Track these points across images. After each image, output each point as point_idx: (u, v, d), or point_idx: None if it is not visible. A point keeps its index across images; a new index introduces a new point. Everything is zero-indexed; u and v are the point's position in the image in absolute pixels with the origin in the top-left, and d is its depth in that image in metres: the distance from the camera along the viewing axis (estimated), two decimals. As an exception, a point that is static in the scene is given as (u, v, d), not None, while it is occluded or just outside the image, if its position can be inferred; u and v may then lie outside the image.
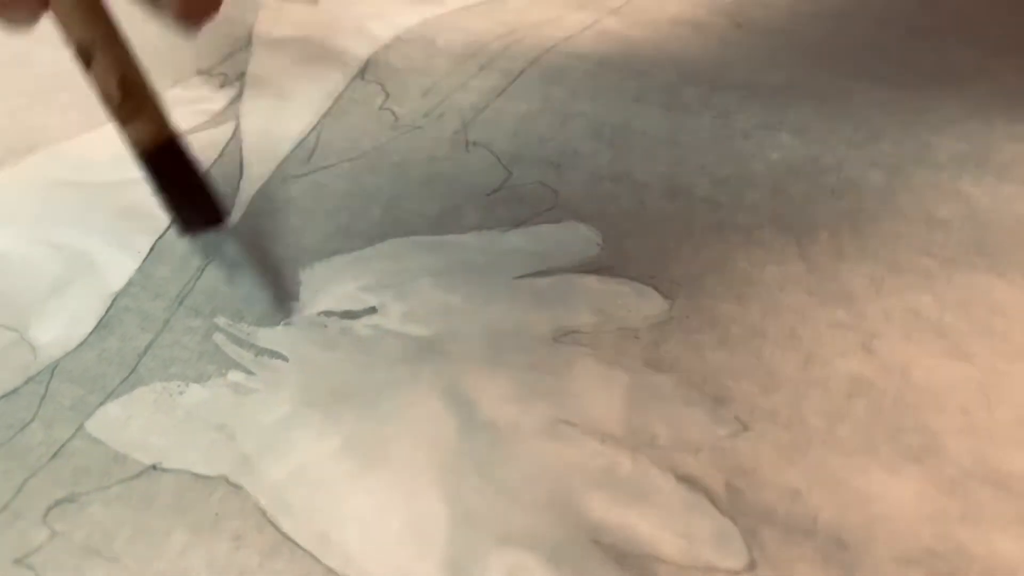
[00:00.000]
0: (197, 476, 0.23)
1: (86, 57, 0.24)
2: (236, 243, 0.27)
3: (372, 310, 0.26)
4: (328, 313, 0.26)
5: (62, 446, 0.24)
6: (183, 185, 0.26)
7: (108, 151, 0.32)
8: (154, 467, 0.23)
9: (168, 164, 0.25)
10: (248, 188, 0.30)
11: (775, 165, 0.28)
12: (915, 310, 0.24)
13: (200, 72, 0.34)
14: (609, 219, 0.27)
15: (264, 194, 0.30)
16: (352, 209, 0.29)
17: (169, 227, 0.29)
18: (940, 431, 0.21)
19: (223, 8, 0.33)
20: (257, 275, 0.27)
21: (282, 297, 0.27)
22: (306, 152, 0.31)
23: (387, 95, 0.33)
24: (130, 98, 0.24)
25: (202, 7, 0.23)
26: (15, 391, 0.25)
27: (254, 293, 0.27)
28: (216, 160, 0.31)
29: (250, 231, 0.29)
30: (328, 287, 0.27)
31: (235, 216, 0.30)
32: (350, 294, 0.27)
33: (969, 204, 0.26)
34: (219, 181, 0.31)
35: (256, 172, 0.31)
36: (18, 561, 0.22)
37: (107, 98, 0.24)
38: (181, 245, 0.29)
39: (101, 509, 0.23)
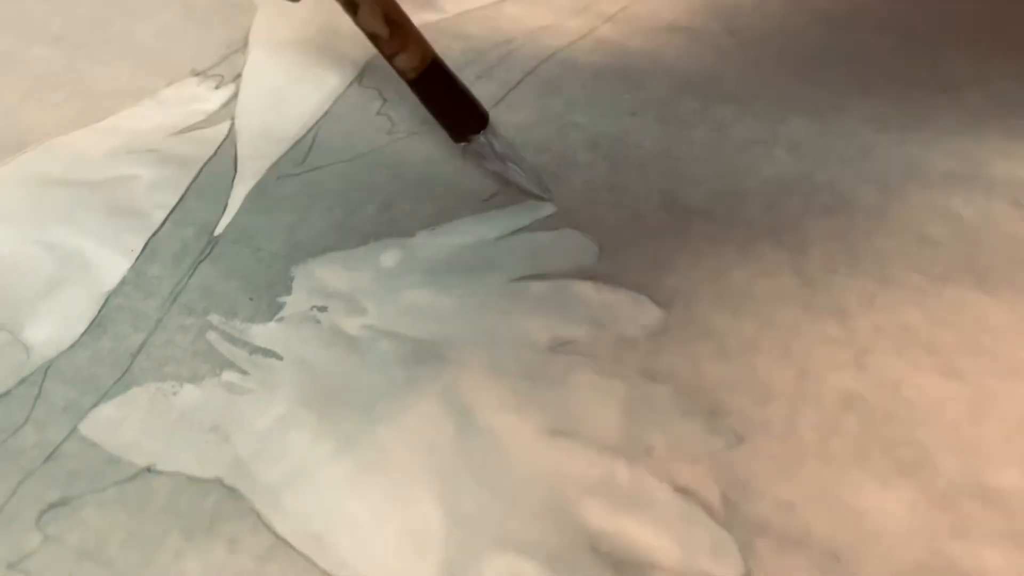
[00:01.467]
0: (192, 479, 0.23)
1: (353, 6, 0.27)
2: (499, 141, 0.29)
3: (363, 310, 0.26)
4: (321, 308, 0.26)
5: (55, 448, 0.24)
6: (449, 100, 0.29)
7: (101, 149, 0.32)
8: (148, 469, 0.23)
9: (434, 84, 0.29)
10: (242, 185, 0.30)
11: (769, 180, 0.28)
12: (906, 326, 0.24)
13: (196, 72, 0.34)
14: (605, 229, 0.28)
15: (258, 191, 0.30)
16: (347, 207, 0.29)
17: (162, 225, 0.29)
18: (931, 446, 0.22)
19: (219, 11, 0.33)
20: (526, 164, 0.29)
21: (541, 180, 0.29)
22: (301, 153, 0.31)
23: (384, 100, 0.33)
24: (396, 33, 0.28)
25: None
26: (8, 393, 0.25)
27: (529, 177, 0.29)
28: (210, 158, 0.31)
29: (243, 229, 0.29)
30: (321, 283, 0.27)
31: (228, 212, 0.30)
32: (343, 292, 0.27)
33: (959, 222, 0.26)
34: (212, 178, 0.31)
35: (250, 169, 0.31)
36: (12, 566, 0.21)
37: (375, 37, 0.28)
38: (174, 243, 0.29)
39: (95, 512, 0.22)
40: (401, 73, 0.29)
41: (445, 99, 0.29)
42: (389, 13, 0.28)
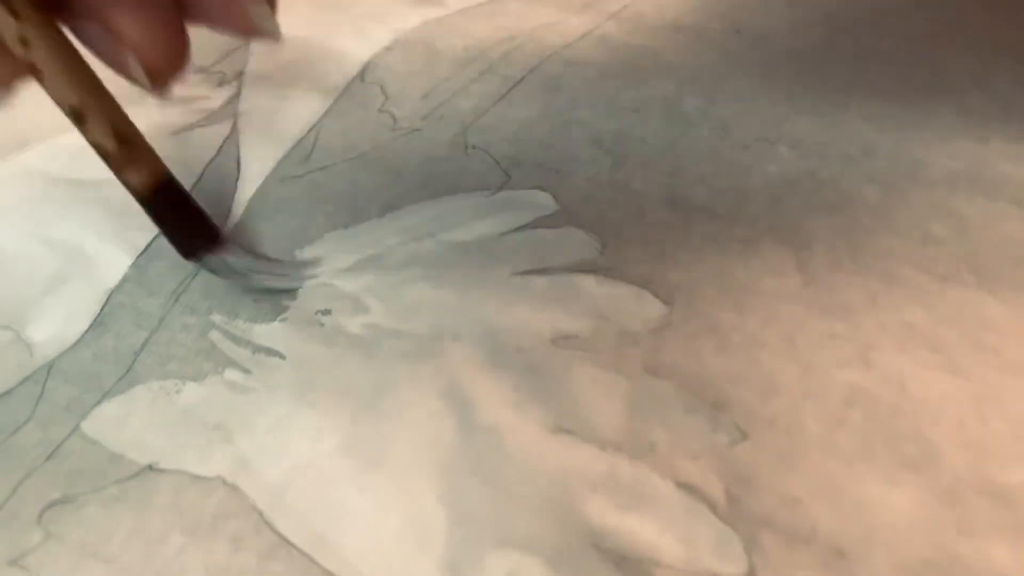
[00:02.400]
0: (194, 477, 0.23)
1: (79, 117, 0.25)
2: (238, 251, 0.28)
3: (367, 309, 0.26)
4: (324, 312, 0.26)
5: (58, 447, 0.24)
6: (181, 218, 0.27)
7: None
8: (151, 467, 0.23)
9: (164, 202, 0.27)
10: (246, 188, 0.30)
11: (773, 178, 0.28)
12: (910, 324, 0.24)
13: (197, 70, 0.34)
14: (608, 225, 0.28)
15: (262, 194, 0.30)
16: (351, 209, 0.29)
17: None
18: (936, 442, 0.22)
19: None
20: (276, 271, 0.28)
21: (286, 285, 0.28)
22: (304, 152, 0.31)
23: (386, 97, 0.33)
24: (124, 149, 0.26)
25: (168, 67, 0.24)
26: (10, 391, 0.25)
27: (279, 277, 0.28)
28: (213, 159, 0.31)
29: (248, 231, 0.29)
30: (325, 285, 0.27)
31: (233, 217, 0.30)
32: (347, 292, 0.27)
33: (962, 222, 0.26)
34: (216, 181, 0.31)
35: (254, 171, 0.31)
36: (13, 562, 0.21)
37: (103, 152, 0.26)
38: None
39: (97, 510, 0.22)
40: (130, 190, 0.27)
41: (176, 218, 0.27)
42: (120, 128, 0.25)
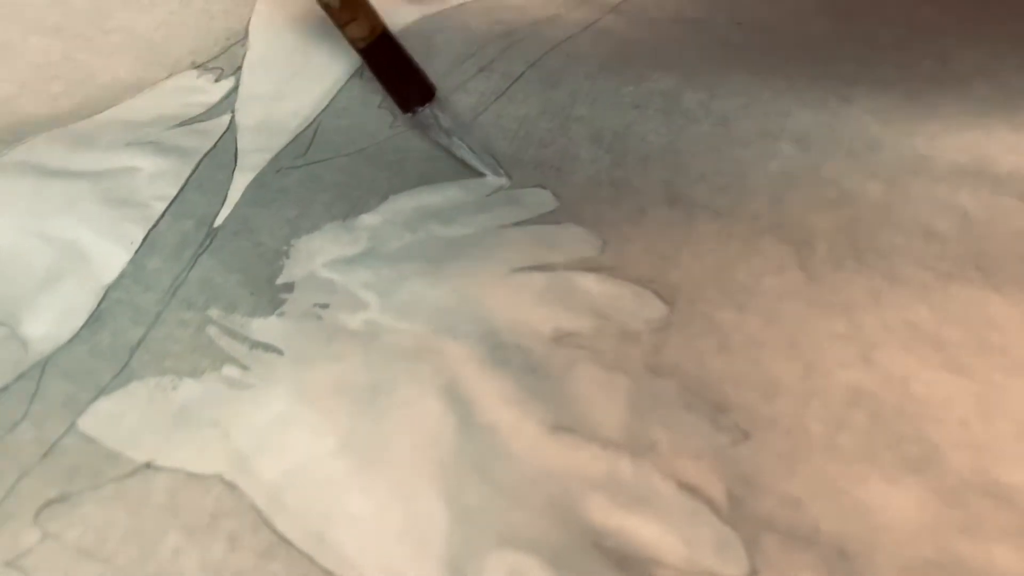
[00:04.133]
0: (191, 475, 0.23)
1: None
2: (448, 115, 0.30)
3: (365, 305, 0.26)
4: (322, 305, 0.26)
5: (53, 444, 0.23)
6: (397, 70, 0.30)
7: (100, 141, 0.32)
8: (147, 465, 0.23)
9: (382, 54, 0.30)
10: (242, 177, 0.30)
11: (774, 174, 0.28)
12: (913, 323, 0.24)
13: (196, 65, 0.34)
14: (609, 223, 0.27)
15: (258, 183, 0.30)
16: (349, 201, 0.29)
17: (162, 216, 0.29)
18: (940, 442, 0.22)
19: (220, 2, 0.33)
20: (473, 140, 0.30)
21: (496, 167, 0.29)
22: (302, 145, 0.31)
23: (385, 93, 0.32)
24: (348, 4, 0.30)
25: None
26: (5, 388, 0.25)
27: (475, 154, 0.30)
28: (210, 150, 0.31)
29: (243, 221, 0.29)
30: (322, 279, 0.27)
31: (228, 204, 0.29)
32: (344, 286, 0.27)
33: (966, 217, 0.26)
34: (212, 170, 0.30)
35: (251, 162, 0.31)
36: (9, 563, 0.21)
37: (327, 7, 0.30)
38: (174, 235, 0.28)
39: (93, 509, 0.22)
40: (352, 42, 0.30)
41: (393, 70, 0.30)
42: None
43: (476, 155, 0.30)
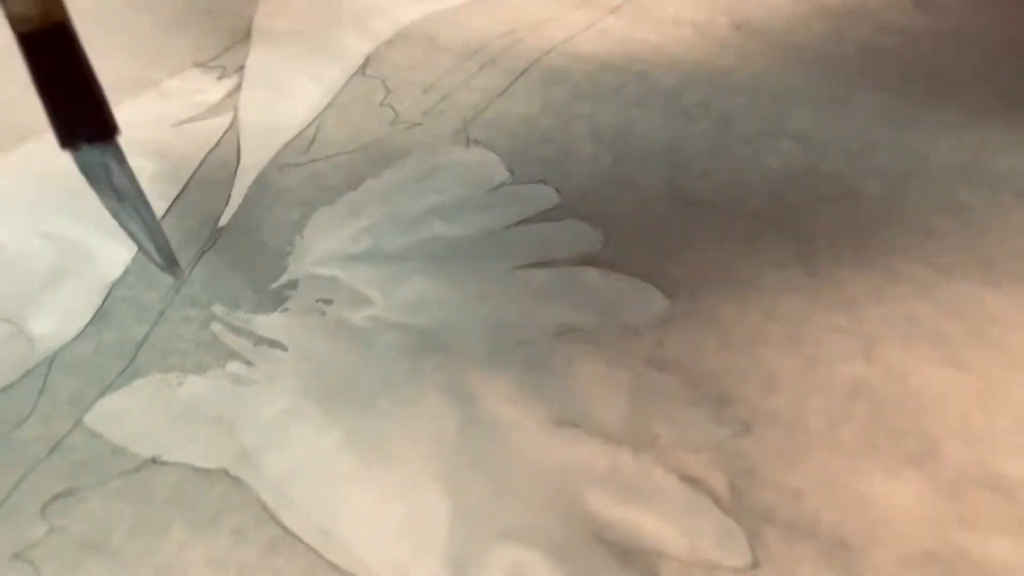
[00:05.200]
0: (197, 469, 0.23)
1: None
2: (126, 166, 0.23)
3: (369, 301, 0.26)
4: (327, 300, 0.26)
5: (60, 440, 0.24)
6: (66, 82, 0.22)
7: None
8: (153, 460, 0.23)
9: (51, 54, 0.22)
10: (245, 176, 0.30)
11: (775, 172, 0.28)
12: (913, 318, 0.24)
13: (197, 64, 0.34)
14: (610, 221, 0.28)
15: (261, 182, 0.30)
16: (351, 198, 0.29)
17: (165, 214, 0.29)
18: (939, 436, 0.22)
19: (222, 1, 0.33)
20: (146, 214, 0.23)
21: (169, 254, 0.23)
22: (305, 143, 0.31)
23: (388, 91, 0.32)
24: None
25: None
26: (12, 385, 0.25)
27: (139, 234, 0.23)
28: (213, 148, 0.31)
29: (247, 220, 0.29)
30: (326, 275, 0.27)
31: (232, 203, 0.29)
32: (348, 283, 0.27)
33: (965, 214, 0.26)
34: (215, 169, 0.31)
35: (253, 160, 0.31)
36: (17, 556, 0.21)
37: None
38: (177, 233, 0.28)
39: (100, 503, 0.22)
40: (10, 20, 0.22)
41: (61, 79, 0.22)
42: None
43: (147, 235, 0.23)
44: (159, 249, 0.23)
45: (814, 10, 0.34)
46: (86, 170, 0.23)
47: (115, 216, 0.23)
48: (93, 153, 0.23)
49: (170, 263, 0.24)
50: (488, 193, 0.29)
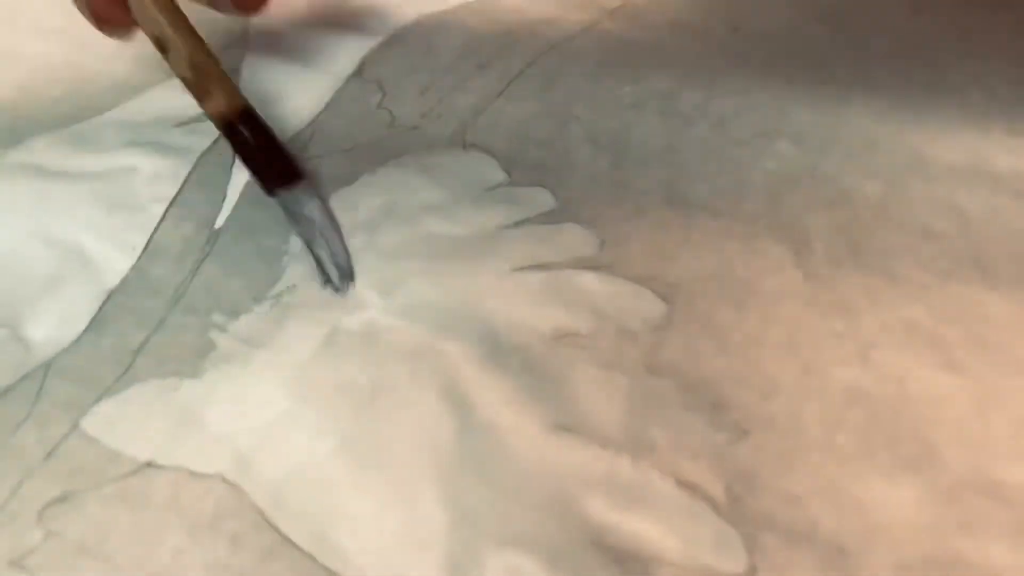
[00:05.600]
0: (193, 474, 0.23)
1: (162, 46, 0.29)
2: (316, 201, 0.28)
3: (365, 305, 0.26)
4: (323, 308, 0.26)
5: (57, 445, 0.24)
6: (259, 148, 0.29)
7: (99, 143, 0.32)
8: (149, 464, 0.23)
9: (244, 131, 0.28)
10: (240, 174, 0.30)
11: (772, 174, 0.28)
12: (911, 322, 0.24)
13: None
14: (607, 223, 0.27)
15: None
16: (347, 198, 0.29)
17: (161, 221, 0.29)
18: (937, 441, 0.22)
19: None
20: (333, 239, 0.28)
21: (348, 272, 0.27)
22: (301, 144, 0.31)
23: (384, 93, 0.32)
24: (202, 78, 0.29)
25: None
26: (9, 389, 0.25)
27: (328, 258, 0.28)
28: (208, 148, 0.31)
29: (243, 222, 0.29)
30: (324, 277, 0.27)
31: (227, 203, 0.30)
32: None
33: (964, 216, 0.26)
34: (210, 168, 0.31)
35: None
36: (13, 563, 0.21)
37: (183, 79, 0.29)
38: (175, 240, 0.28)
39: (96, 508, 0.22)
40: (210, 117, 0.29)
41: (257, 147, 0.29)
42: (197, 59, 0.29)
43: (330, 258, 0.27)
44: (339, 268, 0.27)
45: (811, 11, 0.33)
46: (285, 207, 0.28)
47: (307, 243, 0.28)
48: (289, 195, 0.28)
49: (345, 283, 0.27)
50: (485, 192, 0.29)
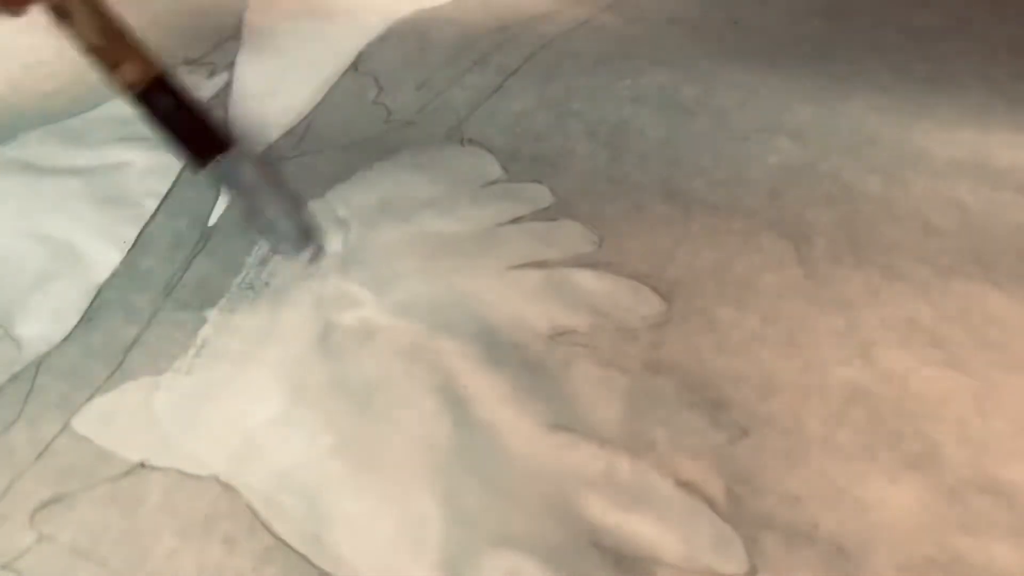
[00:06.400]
0: (186, 475, 0.23)
1: (63, 13, 0.25)
2: (252, 167, 0.26)
3: (360, 302, 0.26)
4: (318, 304, 0.26)
5: (48, 445, 0.23)
6: (182, 118, 0.26)
7: (92, 138, 0.31)
8: (142, 464, 0.23)
9: (163, 100, 0.25)
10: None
11: (773, 169, 0.28)
12: (912, 319, 0.24)
13: (188, 61, 0.34)
14: (606, 219, 0.27)
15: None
16: (342, 192, 0.29)
17: (154, 216, 0.29)
18: (938, 440, 0.21)
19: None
20: (280, 200, 0.26)
21: (306, 225, 0.26)
22: (295, 139, 0.31)
23: (380, 88, 0.32)
24: (113, 44, 0.25)
25: None
26: (0, 389, 0.25)
27: (278, 220, 0.26)
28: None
29: (237, 219, 0.29)
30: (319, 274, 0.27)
31: (220, 200, 0.29)
32: (341, 283, 0.26)
33: (965, 212, 0.26)
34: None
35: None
36: (5, 566, 0.21)
37: (91, 48, 0.25)
38: (167, 234, 0.28)
39: (88, 510, 0.22)
40: (123, 88, 0.26)
41: (178, 119, 0.26)
42: (107, 23, 0.25)
43: (286, 216, 0.25)
44: (298, 224, 0.26)
45: (811, 7, 0.33)
46: (219, 182, 0.26)
47: (250, 214, 0.26)
48: (220, 165, 0.25)
49: (306, 238, 0.26)
50: (482, 188, 0.28)
